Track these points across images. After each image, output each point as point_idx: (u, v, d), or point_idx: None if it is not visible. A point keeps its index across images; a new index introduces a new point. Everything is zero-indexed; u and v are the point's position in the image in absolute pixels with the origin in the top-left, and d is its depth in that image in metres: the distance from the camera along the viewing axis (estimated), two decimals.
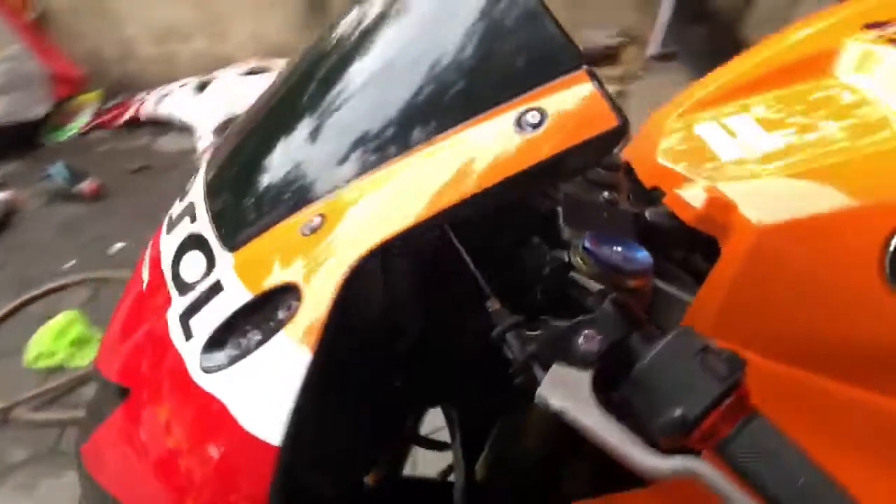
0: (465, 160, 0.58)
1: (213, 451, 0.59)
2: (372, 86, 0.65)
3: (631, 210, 0.77)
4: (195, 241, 0.70)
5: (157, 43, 4.25)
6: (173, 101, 3.97)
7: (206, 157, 0.82)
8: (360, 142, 0.63)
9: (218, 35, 4.29)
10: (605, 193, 0.78)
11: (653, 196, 0.79)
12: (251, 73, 4.05)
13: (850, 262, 0.68)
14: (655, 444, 0.58)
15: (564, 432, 0.75)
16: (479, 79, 0.61)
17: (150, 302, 0.73)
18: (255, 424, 0.57)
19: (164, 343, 0.66)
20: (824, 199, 0.70)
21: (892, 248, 0.67)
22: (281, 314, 0.60)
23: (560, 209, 0.74)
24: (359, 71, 0.68)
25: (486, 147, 0.57)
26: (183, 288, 0.68)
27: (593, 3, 4.49)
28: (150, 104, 4.06)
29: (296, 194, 0.65)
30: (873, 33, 0.86)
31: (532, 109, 0.57)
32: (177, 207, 0.77)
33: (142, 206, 3.48)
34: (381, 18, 0.71)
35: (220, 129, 2.87)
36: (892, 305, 0.67)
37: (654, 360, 0.58)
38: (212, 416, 0.59)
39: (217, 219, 0.69)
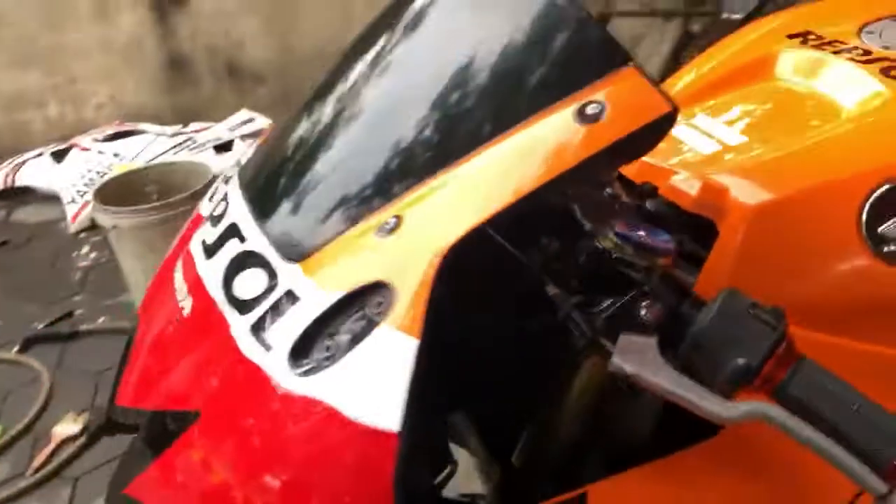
0: (532, 152, 0.63)
1: (327, 451, 0.60)
2: (430, 90, 0.69)
3: (633, 203, 0.85)
4: (249, 260, 0.71)
5: (6, 111, 4.03)
6: (31, 170, 3.77)
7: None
8: (424, 146, 0.67)
9: (73, 100, 4.13)
10: (608, 190, 0.85)
11: (645, 190, 0.88)
12: (113, 137, 3.92)
13: (833, 229, 0.79)
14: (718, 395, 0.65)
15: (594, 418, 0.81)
16: (534, 80, 0.67)
17: (200, 326, 0.72)
18: (371, 415, 0.59)
19: (235, 360, 0.66)
20: (804, 177, 0.80)
21: (865, 214, 0.79)
22: (370, 311, 0.62)
23: (575, 206, 0.80)
24: (414, 76, 0.72)
25: (553, 139, 0.63)
26: (243, 306, 0.69)
27: None
28: (0, 176, 3.82)
29: (361, 202, 0.68)
30: (797, 41, 1.00)
31: (591, 102, 0.63)
32: (209, 233, 0.77)
33: (8, 283, 3.27)
34: (436, 23, 0.75)
35: (99, 191, 2.75)
36: (872, 264, 0.78)
37: (713, 320, 0.65)
38: (317, 418, 0.60)
39: (273, 234, 0.71)
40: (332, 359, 0.62)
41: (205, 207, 0.85)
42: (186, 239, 0.84)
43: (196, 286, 0.74)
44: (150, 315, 0.82)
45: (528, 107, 0.65)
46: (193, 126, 4.03)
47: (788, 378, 0.64)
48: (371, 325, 0.62)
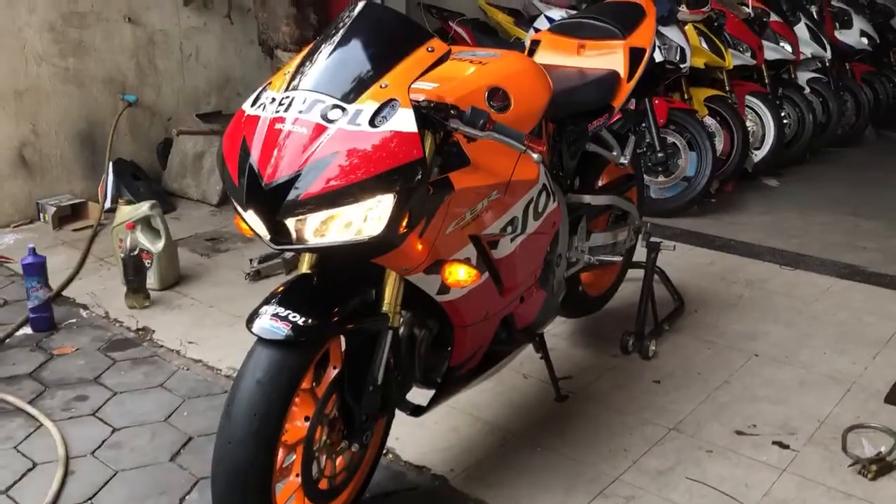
0: (415, 62, 2.07)
1: (395, 147, 1.87)
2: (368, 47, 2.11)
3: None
4: (332, 106, 1.99)
5: None
6: None
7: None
8: (379, 63, 2.06)
9: None
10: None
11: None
12: None
13: (475, 102, 2.37)
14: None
15: None
16: (404, 39, 2.12)
17: (315, 134, 1.94)
18: (407, 128, 1.91)
19: (345, 133, 1.94)
20: (462, 89, 2.38)
21: (486, 96, 2.39)
22: (390, 109, 1.96)
23: None
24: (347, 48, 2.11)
25: (421, 58, 2.08)
26: (334, 120, 1.97)
27: (47, 177, 5.44)
28: None
29: (369, 80, 2.01)
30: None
31: (430, 46, 2.11)
32: (294, 106, 2.00)
33: None
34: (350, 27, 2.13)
35: None
36: (489, 111, 2.38)
37: (472, 112, 2.14)
38: (388, 136, 1.88)
39: (337, 96, 1.99)
40: (384, 121, 1.96)
41: (248, 105, 2.10)
42: (242, 118, 2.08)
43: (300, 121, 1.96)
44: (256, 148, 1.97)
45: (408, 48, 2.10)
46: None
47: (494, 126, 2.17)
48: (395, 110, 1.97)
